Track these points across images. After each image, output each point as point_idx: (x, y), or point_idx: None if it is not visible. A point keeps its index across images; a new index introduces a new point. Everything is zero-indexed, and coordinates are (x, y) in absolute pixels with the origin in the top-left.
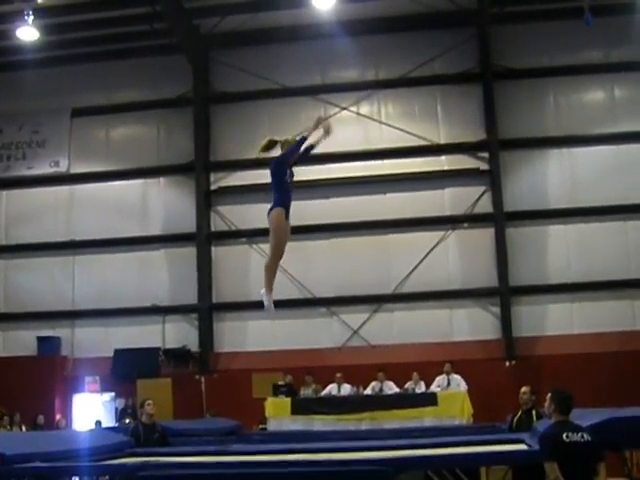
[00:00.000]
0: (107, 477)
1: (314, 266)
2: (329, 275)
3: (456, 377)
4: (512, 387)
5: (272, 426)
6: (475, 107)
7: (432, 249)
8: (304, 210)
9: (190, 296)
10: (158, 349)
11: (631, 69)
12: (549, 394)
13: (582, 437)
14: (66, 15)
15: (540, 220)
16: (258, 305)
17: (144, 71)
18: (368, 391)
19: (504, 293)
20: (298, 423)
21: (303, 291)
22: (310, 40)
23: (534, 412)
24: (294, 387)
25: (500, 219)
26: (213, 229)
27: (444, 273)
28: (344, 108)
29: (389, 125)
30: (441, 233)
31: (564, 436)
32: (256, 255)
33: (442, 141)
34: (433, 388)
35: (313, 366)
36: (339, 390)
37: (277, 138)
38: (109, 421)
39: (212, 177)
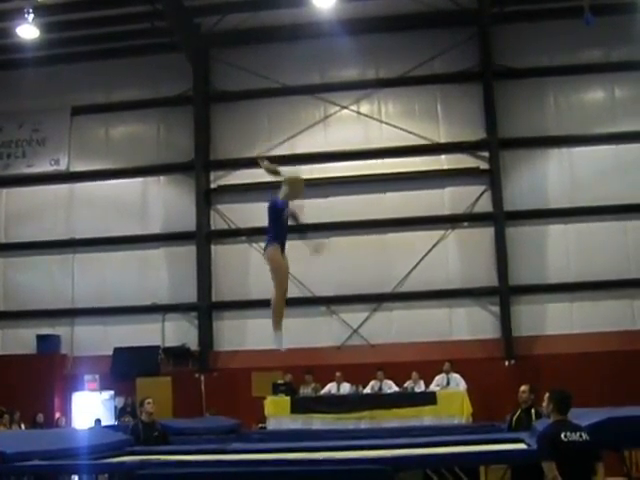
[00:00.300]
0: (106, 475)
1: (314, 265)
2: (329, 274)
3: (455, 376)
4: (511, 386)
5: (271, 425)
6: (475, 106)
7: (432, 248)
8: (304, 209)
9: (190, 295)
10: (158, 347)
11: (631, 69)
12: (547, 394)
13: (580, 437)
14: (66, 13)
15: (540, 220)
16: (258, 304)
17: (144, 69)
18: (367, 390)
19: (504, 292)
20: (297, 422)
21: (303, 290)
22: (310, 39)
23: (533, 411)
24: (294, 386)
25: (500, 218)
26: (213, 228)
27: (444, 272)
28: (344, 107)
29: (389, 124)
30: (441, 232)
31: (562, 436)
32: (256, 253)
33: (442, 140)
34: (432, 387)
35: (313, 365)
36: (338, 389)
37: (281, 174)
38: (108, 419)
39: (212, 176)
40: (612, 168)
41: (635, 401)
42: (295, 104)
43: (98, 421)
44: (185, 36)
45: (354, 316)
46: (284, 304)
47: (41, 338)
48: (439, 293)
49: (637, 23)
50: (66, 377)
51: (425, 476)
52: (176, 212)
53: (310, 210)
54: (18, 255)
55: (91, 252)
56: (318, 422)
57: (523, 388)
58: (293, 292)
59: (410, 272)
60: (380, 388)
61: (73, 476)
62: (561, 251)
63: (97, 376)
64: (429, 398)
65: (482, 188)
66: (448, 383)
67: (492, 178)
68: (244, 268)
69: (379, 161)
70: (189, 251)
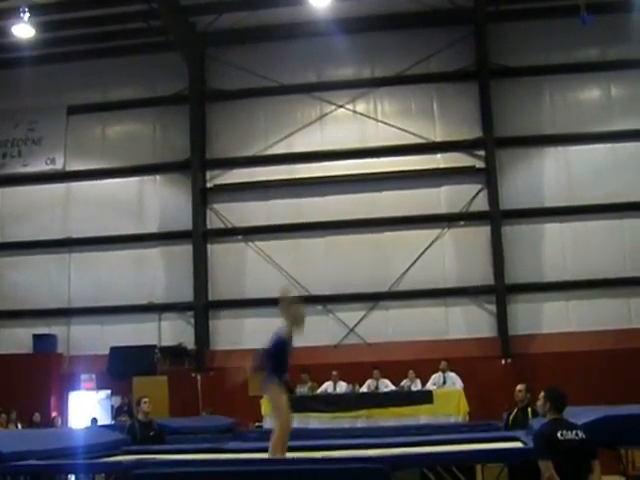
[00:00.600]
0: (103, 475)
1: (310, 264)
2: (325, 273)
3: (452, 375)
4: (508, 385)
5: (268, 424)
6: (471, 105)
7: (428, 247)
8: (300, 208)
9: (186, 294)
10: (154, 347)
11: (627, 67)
12: (542, 392)
13: (576, 435)
14: (62, 12)
15: (536, 218)
16: (254, 303)
17: (140, 69)
18: (364, 389)
19: (500, 291)
20: (294, 421)
21: (299, 289)
22: (306, 38)
23: (530, 410)
24: (290, 385)
25: (496, 217)
26: (209, 227)
27: (440, 271)
28: (340, 106)
29: (385, 123)
30: (437, 231)
31: (559, 434)
32: (252, 253)
33: (438, 139)
34: (429, 386)
35: (309, 364)
36: (335, 388)
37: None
38: (105, 419)
39: (208, 175)
40: (608, 167)
41: (631, 399)
42: (291, 103)
43: (94, 420)
44: (181, 35)
45: (350, 315)
46: (287, 439)
47: (37, 337)
48: (435, 292)
49: (633, 22)
50: (62, 376)
51: (422, 475)
52: (172, 211)
53: (307, 209)
54: (14, 254)
55: (87, 251)
56: (315, 421)
57: (519, 387)
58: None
59: (406, 271)
60: (377, 387)
61: (70, 476)
62: (557, 250)
63: (93, 375)
64: (426, 397)
65: (478, 187)
66: (444, 382)
67: (488, 177)
68: (240, 267)
69: (375, 160)
70: (185, 250)
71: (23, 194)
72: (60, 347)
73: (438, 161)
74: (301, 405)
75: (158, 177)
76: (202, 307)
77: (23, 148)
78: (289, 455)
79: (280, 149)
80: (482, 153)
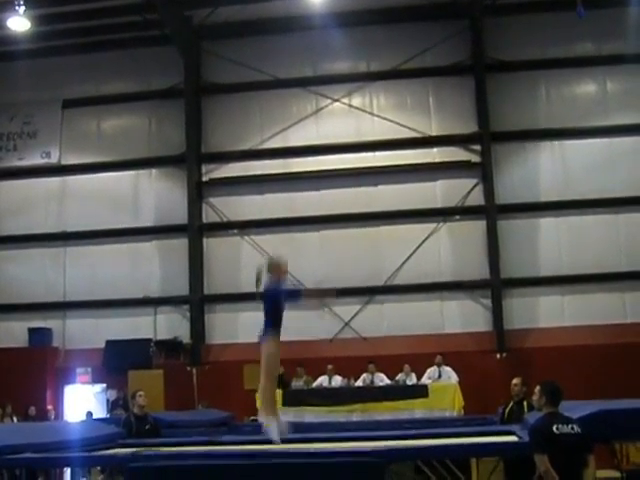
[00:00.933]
0: (98, 468)
1: (305, 258)
2: (321, 267)
3: (447, 369)
4: (503, 379)
5: (263, 418)
6: (467, 99)
7: (423, 241)
8: (295, 202)
9: (182, 287)
10: (150, 340)
11: (623, 62)
12: (538, 386)
13: (572, 429)
14: (57, 5)
15: (532, 213)
16: (250, 297)
17: (135, 62)
18: (359, 383)
19: (495, 285)
20: (289, 415)
21: (295, 283)
22: (302, 32)
23: (525, 403)
24: (285, 379)
25: (492, 211)
26: (205, 220)
27: (435, 265)
28: (336, 100)
29: (381, 117)
30: (432, 225)
31: (554, 428)
32: (247, 246)
33: (434, 133)
34: (424, 380)
35: (304, 358)
36: (330, 382)
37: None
38: (100, 412)
39: (204, 168)
40: (604, 161)
41: (626, 394)
42: (287, 97)
43: (90, 414)
44: (176, 29)
45: (346, 309)
46: (275, 391)
47: (33, 331)
48: (431, 286)
49: (629, 16)
50: (58, 370)
51: (417, 468)
52: (168, 205)
53: (302, 203)
54: (9, 248)
55: (83, 245)
56: (310, 415)
57: (515, 381)
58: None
59: (402, 265)
60: (372, 381)
61: (65, 469)
62: (553, 244)
63: (89, 369)
64: (421, 391)
65: (474, 181)
66: (440, 376)
67: (484, 171)
68: (236, 261)
69: (371, 154)
70: (181, 244)
71: (18, 188)
72: (55, 341)
73: (434, 155)
74: (296, 399)
75: (153, 171)
76: (198, 301)
77: (18, 142)
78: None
79: (276, 143)
80: (478, 147)
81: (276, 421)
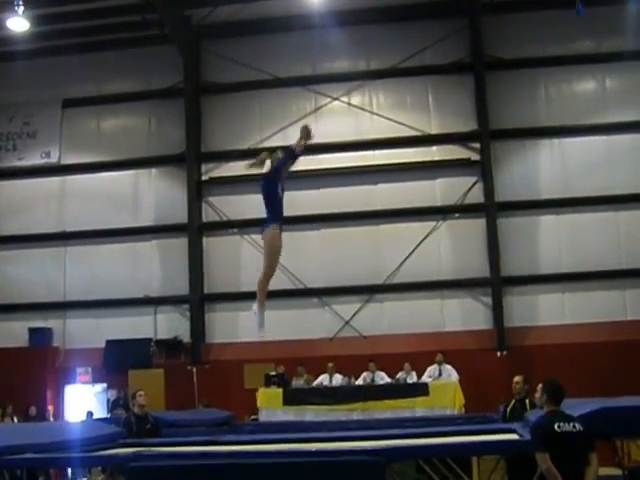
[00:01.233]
0: (99, 468)
1: (305, 257)
2: (320, 266)
3: (447, 367)
4: (503, 377)
5: (264, 416)
6: (466, 97)
7: (423, 239)
8: (295, 201)
9: (182, 287)
10: (150, 340)
11: (622, 59)
12: (541, 384)
13: (574, 427)
14: (57, 5)
15: (531, 210)
16: (250, 296)
17: (135, 62)
18: (360, 381)
19: (495, 283)
20: (290, 413)
21: (295, 282)
22: (301, 31)
23: (527, 401)
24: (286, 377)
25: (491, 209)
26: (204, 220)
27: (435, 263)
28: (335, 98)
29: (380, 115)
30: (432, 223)
31: (556, 426)
32: (247, 245)
33: (433, 131)
34: (425, 378)
35: (305, 357)
36: (331, 380)
37: (267, 154)
38: (101, 412)
39: (203, 168)
40: (603, 159)
41: (627, 391)
42: (286, 96)
43: (90, 414)
44: (176, 28)
45: (346, 308)
46: (268, 284)
47: (33, 331)
48: (431, 284)
49: (628, 14)
50: (58, 370)
51: (418, 467)
52: (168, 204)
53: (302, 202)
54: (9, 248)
55: (83, 245)
56: (310, 414)
57: (517, 379)
58: (285, 284)
59: (402, 263)
60: (372, 379)
61: (66, 469)
62: (553, 242)
63: (89, 369)
64: (421, 389)
65: (473, 179)
66: (440, 374)
67: (483, 169)
68: (236, 260)
69: (370, 152)
70: (181, 243)
71: (18, 188)
72: (56, 340)
73: (433, 153)
74: (297, 398)
75: (153, 170)
76: (198, 300)
77: (18, 142)
78: (283, 447)
79: (275, 142)
80: (477, 145)
81: (261, 313)
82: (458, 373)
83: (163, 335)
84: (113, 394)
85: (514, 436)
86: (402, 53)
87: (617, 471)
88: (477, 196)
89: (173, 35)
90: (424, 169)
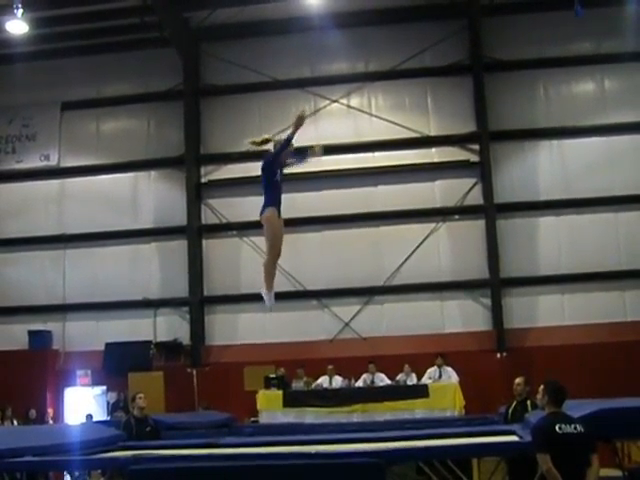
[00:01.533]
0: (99, 471)
1: (305, 258)
2: (320, 267)
3: (447, 369)
4: (503, 378)
5: (264, 419)
6: (465, 99)
7: (423, 241)
8: (295, 203)
9: (181, 289)
10: (149, 342)
11: (621, 60)
12: (542, 385)
13: (575, 428)
14: (56, 8)
15: (531, 212)
16: (249, 298)
17: (134, 64)
18: (359, 383)
19: (495, 285)
20: (290, 416)
21: (294, 284)
22: (300, 33)
23: (529, 403)
24: (286, 380)
25: (491, 211)
26: (204, 222)
27: (435, 265)
28: (334, 101)
29: (379, 117)
30: (432, 225)
31: (557, 428)
32: (247, 248)
33: (432, 133)
34: (424, 380)
35: (305, 358)
36: (330, 382)
37: (270, 136)
38: (101, 415)
39: (202, 170)
40: (602, 160)
41: (626, 392)
42: (285, 98)
43: (90, 416)
44: (175, 31)
45: (346, 309)
46: (276, 266)
47: (33, 334)
48: (430, 286)
49: (627, 15)
50: (58, 373)
51: (418, 468)
52: (167, 207)
53: (301, 204)
54: (9, 251)
55: (82, 247)
56: (310, 416)
57: (518, 380)
58: (285, 286)
59: (401, 265)
60: (372, 381)
61: (65, 472)
62: (552, 243)
63: (89, 371)
64: (421, 391)
65: (473, 181)
66: (440, 376)
67: (483, 170)
68: (235, 262)
69: (370, 154)
70: (180, 246)
71: (17, 190)
72: (55, 343)
73: (432, 155)
74: (297, 400)
75: (152, 173)
76: (197, 302)
77: (17, 144)
78: (283, 449)
79: None
80: (476, 147)
81: (269, 292)
82: (458, 374)
83: (163, 337)
84: (113, 397)
85: (514, 438)
86: (401, 55)
87: (617, 472)
88: (476, 197)
89: (172, 37)
90: (423, 171)
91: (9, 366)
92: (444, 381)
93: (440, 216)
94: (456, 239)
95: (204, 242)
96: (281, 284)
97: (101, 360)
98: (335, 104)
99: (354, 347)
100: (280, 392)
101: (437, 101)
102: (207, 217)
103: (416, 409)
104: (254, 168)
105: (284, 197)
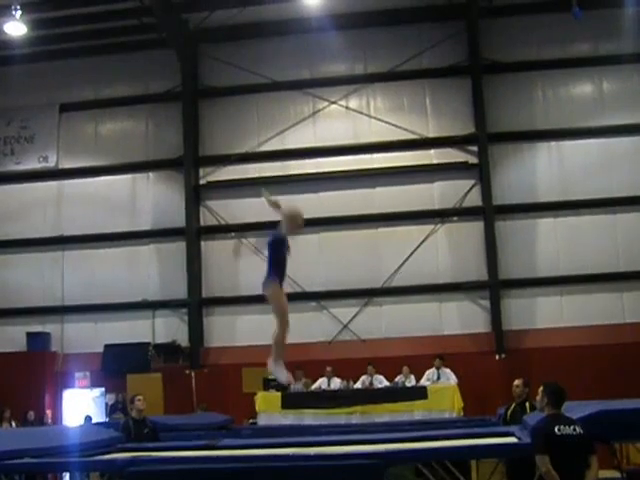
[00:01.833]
0: (98, 473)
1: (304, 260)
2: (319, 269)
3: (446, 371)
4: (502, 380)
5: (262, 420)
6: (464, 100)
7: (421, 243)
8: (293, 204)
9: (180, 291)
10: (148, 344)
11: (619, 62)
12: (541, 387)
13: (574, 430)
14: (54, 10)
15: (529, 213)
16: (248, 300)
17: (133, 66)
18: (358, 385)
19: (494, 286)
20: (288, 417)
21: (293, 285)
22: (299, 34)
23: (528, 405)
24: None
25: (489, 212)
26: (202, 224)
27: (434, 267)
28: (333, 102)
29: (378, 119)
30: (430, 227)
31: (556, 429)
32: (245, 250)
33: (431, 135)
34: (423, 382)
35: (303, 360)
36: (329, 384)
37: (281, 208)
38: (99, 416)
39: (201, 172)
40: (601, 161)
41: (625, 394)
42: (284, 100)
43: (89, 418)
44: (173, 32)
45: (344, 311)
46: (286, 340)
47: (31, 336)
48: (429, 287)
49: (625, 17)
50: (56, 374)
51: (416, 470)
52: (165, 208)
53: (300, 205)
54: (7, 253)
55: (81, 249)
56: (309, 417)
57: (517, 382)
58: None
59: (400, 267)
60: (371, 383)
61: (64, 474)
62: (551, 245)
63: (88, 373)
64: (420, 393)
65: (471, 182)
66: (439, 377)
67: (481, 172)
68: (234, 264)
69: (368, 156)
70: (179, 247)
71: (16, 192)
72: (54, 345)
73: (431, 157)
74: (295, 401)
75: (151, 174)
76: (196, 304)
77: (16, 146)
78: (282, 451)
79: (273, 146)
80: (475, 148)
81: (281, 365)
82: (456, 376)
83: (161, 339)
84: (111, 398)
85: (513, 439)
86: (399, 56)
87: (616, 474)
88: (475, 199)
89: (170, 39)
90: (422, 172)
91: (7, 368)
92: (443, 383)
93: (439, 218)
94: (455, 241)
95: (203, 244)
96: None
97: (100, 362)
98: (334, 105)
99: (353, 349)
100: (279, 394)
101: (436, 103)
102: (206, 219)
103: (415, 411)
104: (253, 170)
105: (282, 199)
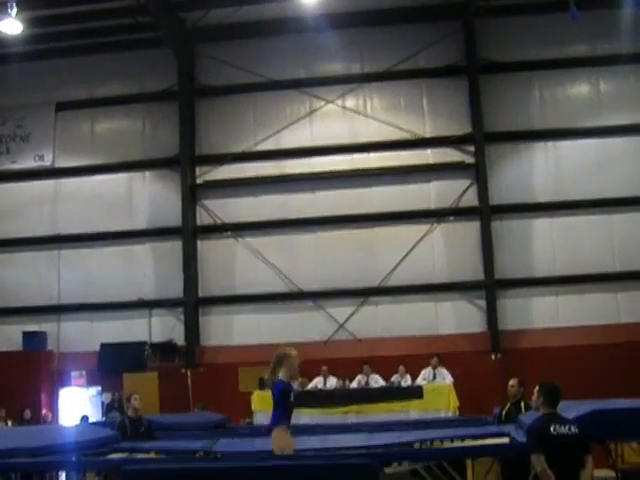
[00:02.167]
0: (94, 471)
1: (300, 260)
2: (315, 269)
3: (442, 370)
4: (498, 380)
5: (258, 420)
6: (461, 100)
7: (418, 242)
8: (290, 203)
9: (176, 290)
10: (144, 343)
11: (616, 63)
12: (537, 387)
13: (569, 429)
14: (50, 8)
15: (525, 213)
16: (244, 299)
17: (129, 65)
18: (354, 384)
19: (490, 286)
20: None
21: (289, 285)
22: (295, 33)
23: (523, 404)
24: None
25: (485, 212)
26: (199, 223)
27: (430, 266)
28: (329, 101)
29: (375, 118)
30: (427, 226)
31: (551, 429)
32: (242, 249)
33: (428, 134)
34: (419, 381)
35: (299, 360)
36: (325, 383)
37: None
38: (95, 415)
39: (197, 171)
40: (597, 162)
41: (620, 393)
42: (280, 99)
43: (85, 417)
44: (170, 31)
45: (340, 310)
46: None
47: (27, 335)
48: (425, 287)
49: (622, 17)
50: (53, 373)
51: (412, 469)
52: (162, 207)
53: (296, 205)
54: (3, 252)
55: (77, 248)
56: (305, 417)
57: (512, 382)
58: (279, 287)
59: (396, 266)
60: (367, 382)
61: (61, 472)
62: (547, 245)
63: (84, 372)
64: (416, 392)
65: (468, 182)
66: (435, 377)
67: (478, 172)
68: (230, 263)
69: (365, 155)
70: (175, 246)
71: (11, 191)
72: (50, 344)
73: (427, 157)
74: None
75: (147, 173)
76: (192, 303)
77: (11, 145)
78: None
79: (269, 145)
80: (471, 148)
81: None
82: (452, 376)
83: (157, 338)
84: (108, 397)
85: (507, 439)
86: (396, 56)
87: (611, 473)
88: (471, 199)
89: (167, 38)
90: (418, 172)
91: (3, 367)
92: (438, 382)
93: (435, 217)
94: (451, 240)
95: (199, 243)
96: (276, 285)
97: (96, 361)
98: (330, 105)
99: (349, 348)
100: None
101: (432, 102)
102: (202, 218)
103: (411, 410)
104: (249, 169)
105: (280, 199)
